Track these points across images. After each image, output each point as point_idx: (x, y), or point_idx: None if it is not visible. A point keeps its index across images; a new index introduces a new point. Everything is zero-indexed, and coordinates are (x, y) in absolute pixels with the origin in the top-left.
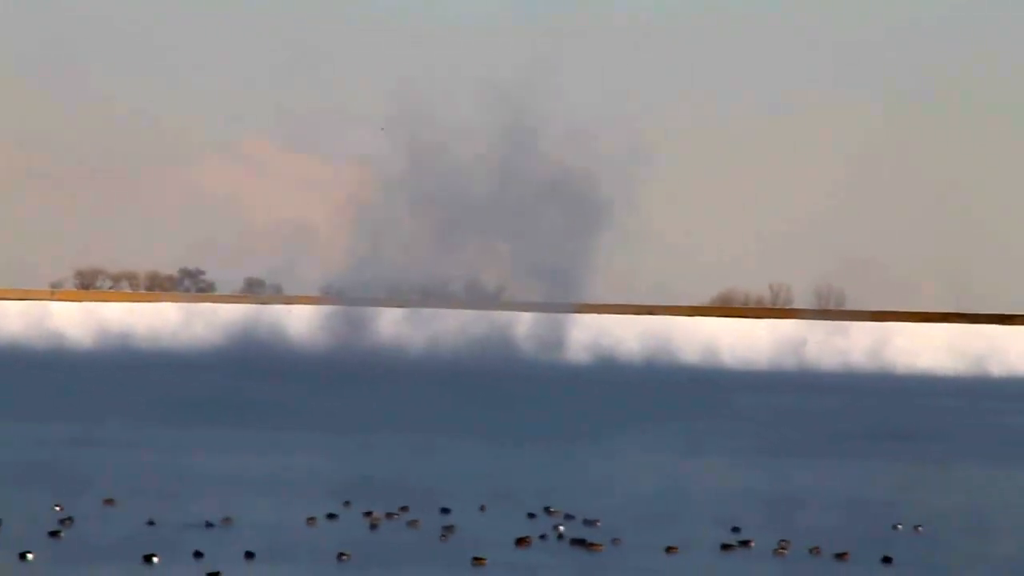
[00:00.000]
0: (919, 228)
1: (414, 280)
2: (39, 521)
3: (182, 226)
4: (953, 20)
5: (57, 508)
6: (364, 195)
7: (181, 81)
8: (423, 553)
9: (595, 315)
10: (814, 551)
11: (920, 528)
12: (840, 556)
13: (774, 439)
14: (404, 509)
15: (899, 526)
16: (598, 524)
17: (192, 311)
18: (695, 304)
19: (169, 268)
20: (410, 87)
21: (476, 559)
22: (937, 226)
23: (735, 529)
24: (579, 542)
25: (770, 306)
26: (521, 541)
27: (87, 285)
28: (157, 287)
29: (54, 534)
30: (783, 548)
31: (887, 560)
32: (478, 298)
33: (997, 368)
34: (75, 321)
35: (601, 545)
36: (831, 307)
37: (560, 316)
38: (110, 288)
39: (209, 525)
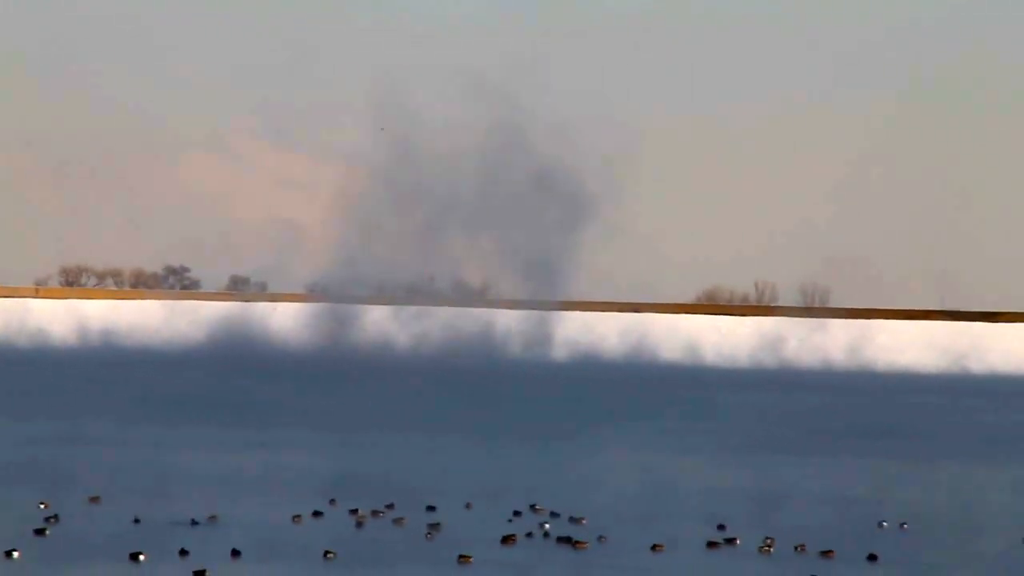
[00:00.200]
0: (905, 227)
1: (400, 278)
2: (24, 519)
3: (167, 223)
4: (945, 21)
5: (42, 506)
6: (350, 192)
7: (167, 79)
8: (409, 551)
9: (580, 312)
10: (799, 549)
11: (905, 526)
12: (825, 554)
13: (757, 437)
14: (390, 507)
15: (884, 523)
16: (584, 522)
17: (177, 308)
18: (680, 302)
19: (154, 265)
20: (397, 83)
21: (462, 557)
22: (923, 225)
23: (720, 527)
24: (565, 540)
25: (755, 304)
26: (507, 539)
27: (72, 282)
28: (142, 284)
29: (39, 532)
30: (768, 546)
31: (872, 558)
32: (463, 295)
33: (980, 366)
34: (59, 318)
35: (586, 543)
36: (816, 305)
37: (545, 313)
38: (95, 285)
39: (195, 523)
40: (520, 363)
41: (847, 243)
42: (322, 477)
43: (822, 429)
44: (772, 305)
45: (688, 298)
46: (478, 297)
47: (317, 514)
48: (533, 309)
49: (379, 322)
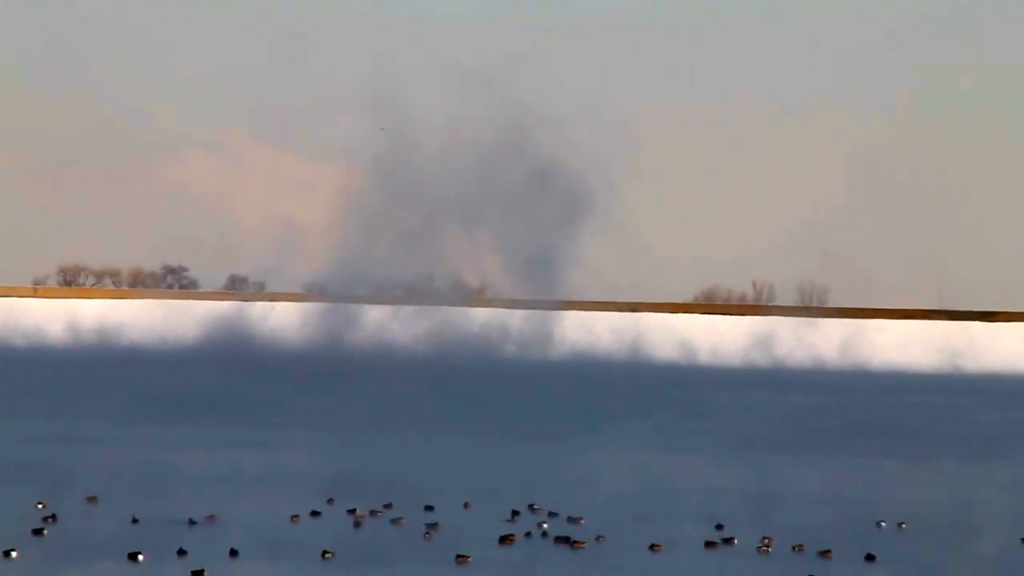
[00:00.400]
0: (904, 227)
1: (398, 277)
2: (22, 519)
3: (165, 223)
4: (944, 20)
5: (40, 506)
6: (348, 192)
7: (165, 79)
8: (407, 551)
9: (578, 312)
10: (797, 549)
11: (904, 525)
12: (824, 554)
13: (754, 436)
14: (388, 507)
15: (882, 523)
16: (582, 522)
17: (175, 308)
18: (678, 301)
19: (152, 265)
20: (396, 83)
21: (460, 556)
22: (922, 225)
23: (718, 527)
24: (563, 540)
25: (753, 303)
26: (505, 539)
27: (70, 282)
28: (140, 284)
29: (38, 532)
30: (766, 546)
31: (870, 558)
32: (461, 295)
33: (977, 365)
34: (57, 318)
35: (585, 543)
36: (814, 304)
37: (543, 313)
38: (93, 285)
39: (193, 523)
40: (518, 363)
41: (845, 242)
42: (320, 477)
43: (819, 429)
44: (770, 304)
45: (686, 297)
46: (476, 296)
47: (315, 514)
48: (531, 308)
49: (378, 322)
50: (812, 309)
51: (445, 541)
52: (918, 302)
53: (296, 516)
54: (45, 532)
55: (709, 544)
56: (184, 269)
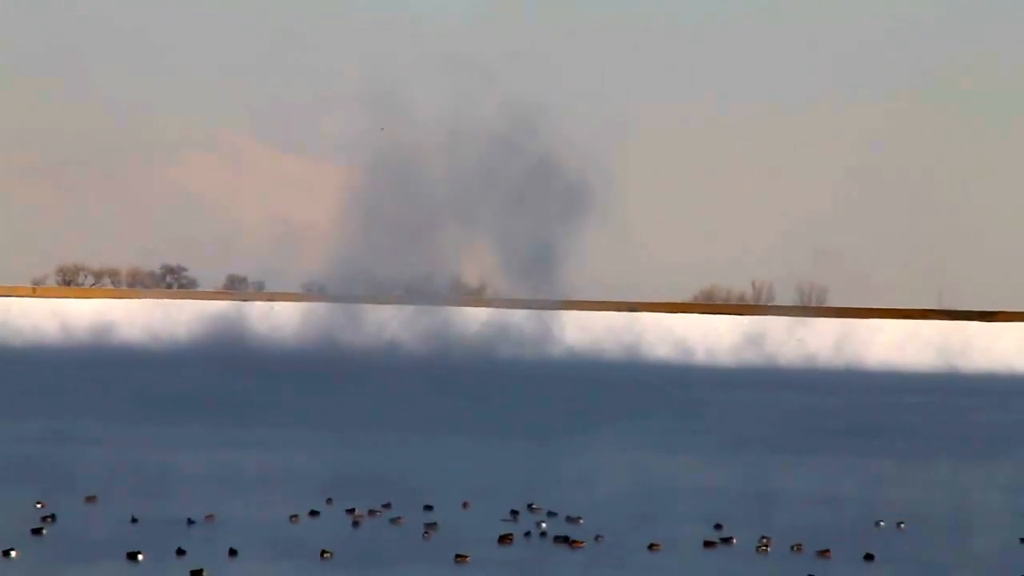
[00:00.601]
0: (904, 226)
1: (397, 277)
2: (21, 519)
3: (164, 223)
4: (944, 20)
5: (39, 505)
6: (347, 191)
7: (164, 79)
8: (406, 550)
9: (577, 312)
10: (796, 548)
11: (902, 525)
12: (822, 553)
13: (752, 436)
14: (387, 506)
15: (881, 523)
16: (581, 521)
17: (174, 308)
18: (677, 301)
19: (151, 265)
20: (395, 82)
21: (459, 556)
22: (921, 225)
23: (717, 526)
24: (562, 539)
25: (752, 303)
26: (504, 538)
27: (69, 282)
28: (139, 284)
29: (37, 532)
30: (765, 545)
31: (869, 557)
32: (460, 294)
33: (975, 365)
34: (56, 318)
35: (583, 542)
36: (813, 304)
37: (542, 313)
38: (92, 285)
39: (191, 522)
40: (517, 362)
41: (845, 243)
42: (319, 476)
43: (817, 428)
44: (769, 304)
45: (685, 297)
46: (475, 296)
47: (314, 513)
48: (530, 308)
49: (377, 321)
50: (811, 309)
51: (444, 541)
52: (917, 302)
53: (295, 516)
54: (44, 532)
55: (708, 544)
56: (183, 269)
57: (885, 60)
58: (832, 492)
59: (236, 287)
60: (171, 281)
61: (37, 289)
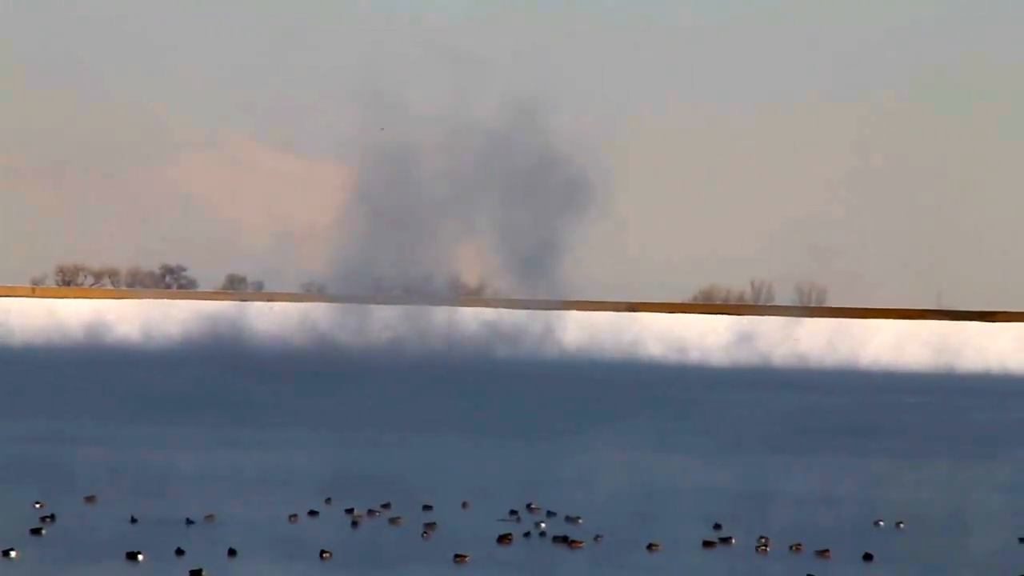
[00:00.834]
0: (903, 226)
1: (396, 277)
2: (20, 519)
3: (164, 223)
4: (943, 20)
5: (38, 505)
6: (346, 191)
7: (164, 79)
8: (405, 550)
9: (576, 312)
10: (795, 548)
11: (902, 525)
12: (822, 553)
13: (749, 436)
14: (386, 506)
15: (880, 523)
16: (580, 521)
17: (173, 308)
18: (676, 301)
19: (150, 265)
20: (392, 80)
21: (458, 556)
22: (921, 224)
23: (716, 526)
24: (561, 539)
25: (751, 303)
26: (503, 538)
27: (68, 282)
28: (138, 283)
29: (36, 532)
30: (764, 545)
31: (868, 557)
32: (459, 294)
33: (973, 365)
34: (55, 317)
35: (583, 542)
36: (812, 304)
37: (541, 312)
38: (91, 285)
39: (191, 522)
40: (516, 362)
41: (844, 242)
42: (318, 476)
43: (815, 428)
44: (768, 304)
45: (684, 297)
46: (474, 296)
47: (313, 513)
48: (529, 308)
49: (375, 321)
50: (810, 309)
51: (443, 541)
52: (916, 302)
53: (294, 516)
54: (43, 532)
55: (707, 544)
56: (182, 269)
57: (885, 60)
58: (831, 492)
59: (235, 287)
60: (170, 281)
61: (36, 289)
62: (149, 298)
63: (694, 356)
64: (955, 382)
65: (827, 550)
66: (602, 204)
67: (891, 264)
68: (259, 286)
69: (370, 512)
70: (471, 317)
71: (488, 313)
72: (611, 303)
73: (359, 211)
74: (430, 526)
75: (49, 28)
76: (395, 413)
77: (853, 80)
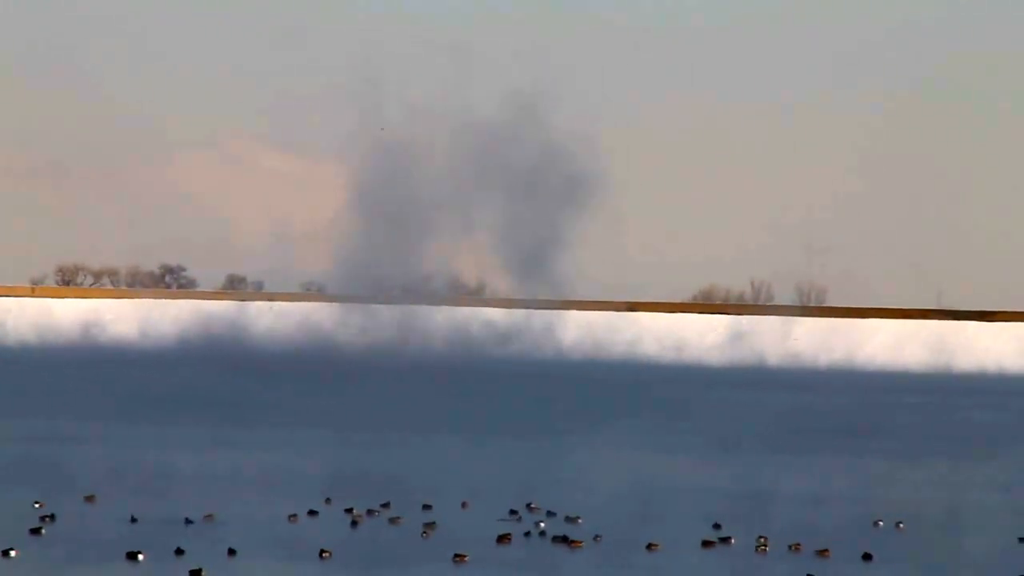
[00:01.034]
0: (903, 226)
1: (396, 277)
2: (19, 518)
3: (163, 223)
4: (943, 20)
5: (37, 505)
6: (346, 191)
7: (163, 78)
8: (404, 550)
9: (575, 311)
10: (794, 548)
11: (901, 525)
12: (821, 553)
13: (747, 435)
14: (385, 506)
15: (880, 522)
16: (579, 521)
17: (172, 307)
18: (676, 300)
19: (150, 264)
20: (392, 80)
21: (458, 556)
22: (921, 224)
23: (716, 526)
24: (560, 539)
25: (751, 303)
26: (502, 538)
27: (68, 281)
28: (138, 283)
29: (35, 531)
30: (763, 545)
31: (868, 557)
32: (459, 294)
33: (972, 364)
34: (55, 317)
35: (582, 542)
36: (812, 304)
37: (541, 312)
38: (91, 284)
39: (190, 522)
40: (515, 362)
41: (844, 242)
42: (318, 476)
43: (814, 428)
44: (768, 304)
45: (684, 297)
46: (473, 296)
47: (313, 513)
48: (529, 308)
49: (375, 321)
50: (810, 309)
51: (443, 540)
52: (916, 302)
53: (294, 515)
54: (43, 531)
55: (707, 543)
56: (182, 269)
57: (885, 59)
58: (830, 492)
59: (235, 287)
60: (170, 281)
61: (36, 289)
62: (149, 298)
63: (693, 356)
64: (954, 382)
65: (826, 550)
66: (602, 204)
67: (891, 264)
68: (259, 286)
69: (370, 512)
70: (471, 317)
71: (488, 313)
72: (611, 303)
73: (359, 211)
74: (430, 526)
75: (49, 28)
76: (395, 413)
77: (853, 80)
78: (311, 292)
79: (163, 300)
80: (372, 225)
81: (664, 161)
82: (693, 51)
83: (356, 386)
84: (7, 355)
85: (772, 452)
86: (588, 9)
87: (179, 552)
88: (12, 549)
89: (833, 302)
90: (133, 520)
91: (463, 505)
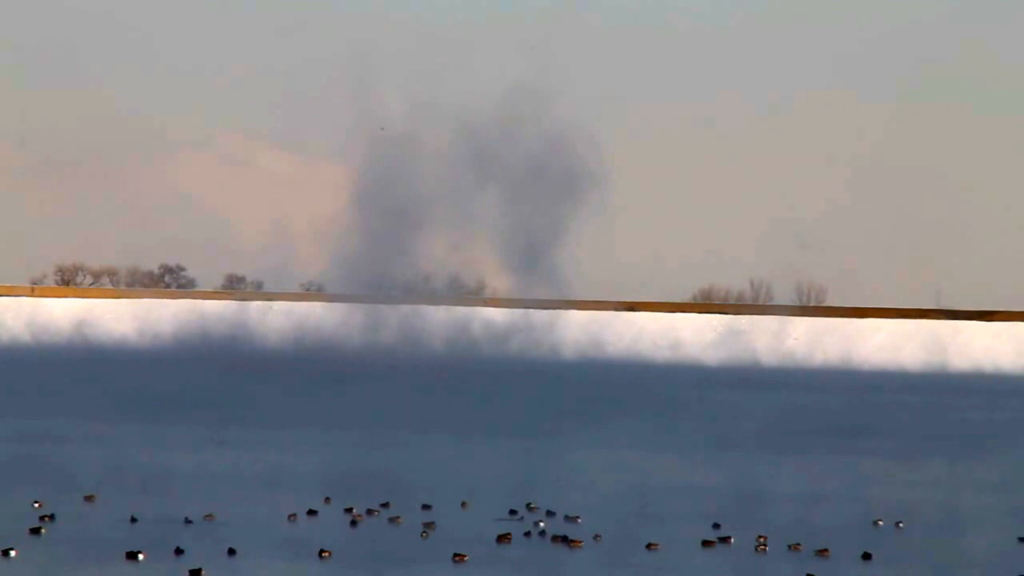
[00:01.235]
0: (902, 226)
1: (396, 276)
2: (19, 518)
3: (163, 223)
4: (943, 19)
5: (37, 505)
6: (345, 191)
7: (163, 78)
8: (404, 550)
9: (575, 311)
10: (794, 547)
11: (901, 524)
12: (821, 552)
13: (746, 435)
14: (385, 506)
15: (880, 522)
16: (579, 521)
17: (172, 307)
18: (676, 300)
19: (150, 264)
20: (392, 80)
21: (457, 555)
22: (920, 224)
23: (715, 526)
24: (560, 539)
25: (751, 302)
26: (502, 538)
27: (68, 281)
28: (137, 283)
29: (35, 531)
30: (763, 545)
31: (867, 556)
32: (458, 294)
33: (971, 364)
34: (55, 317)
35: (582, 542)
36: (811, 303)
37: (540, 312)
38: (91, 284)
39: (189, 522)
40: (514, 361)
41: (844, 241)
42: (317, 476)
43: (813, 427)
44: (767, 304)
45: (684, 296)
46: (473, 296)
47: (312, 513)
48: (528, 308)
49: (375, 321)
50: (809, 308)
51: (442, 540)
52: (915, 301)
53: (293, 515)
54: (43, 531)
55: (706, 543)
56: (181, 269)
57: (884, 59)
58: (829, 491)
59: (235, 287)
60: (169, 281)
61: (36, 288)
62: (148, 298)
63: (692, 356)
64: (953, 382)
65: (826, 549)
66: (601, 204)
67: (890, 264)
68: (259, 286)
69: (369, 511)
70: (471, 317)
71: (488, 313)
72: (610, 303)
73: (359, 210)
74: (429, 525)
75: (51, 29)
76: (394, 413)
77: (853, 79)
78: (311, 292)
79: (162, 300)
80: (372, 224)
81: (664, 161)
82: (693, 51)
83: (356, 386)
84: (6, 355)
85: (771, 452)
86: (588, 8)
87: (179, 552)
88: (12, 549)
89: (833, 302)
90: (133, 520)
91: (463, 505)
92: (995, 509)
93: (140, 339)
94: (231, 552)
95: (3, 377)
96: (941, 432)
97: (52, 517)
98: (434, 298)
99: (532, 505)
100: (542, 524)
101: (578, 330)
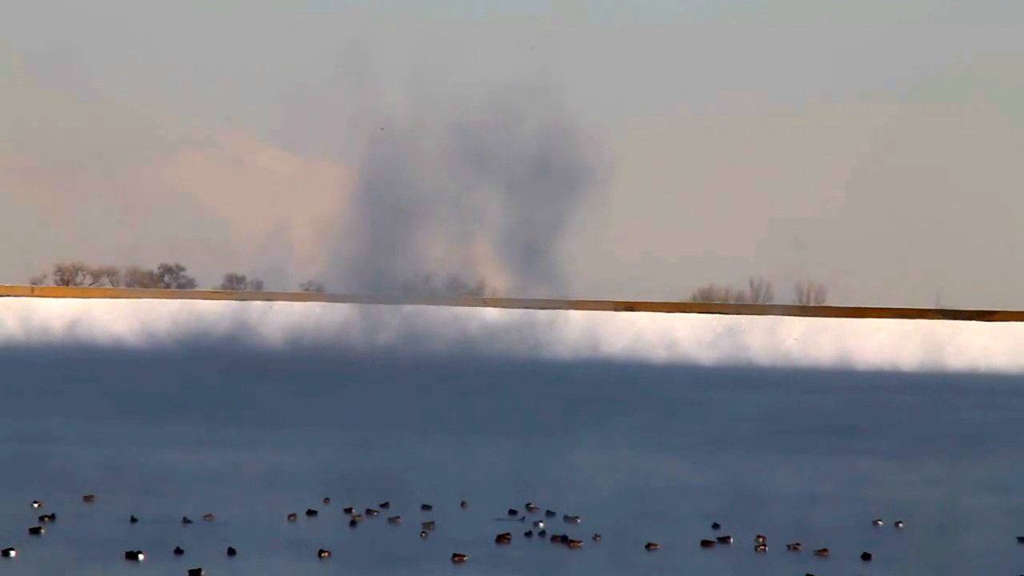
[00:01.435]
0: (902, 226)
1: (395, 276)
2: (18, 518)
3: (163, 223)
4: (943, 19)
5: (36, 505)
6: (345, 191)
7: (164, 79)
8: (403, 550)
9: (574, 311)
10: (793, 547)
11: (901, 524)
12: (820, 552)
13: (745, 435)
14: (384, 506)
15: (879, 522)
16: (578, 521)
17: (171, 307)
18: (675, 300)
19: (149, 264)
20: (392, 80)
21: (456, 555)
22: (920, 224)
23: (715, 526)
24: (560, 539)
25: (751, 302)
26: (502, 538)
27: (67, 281)
28: (137, 283)
29: (35, 531)
30: (763, 545)
31: (867, 556)
32: (458, 294)
33: (970, 364)
34: (54, 317)
35: (581, 542)
36: (811, 303)
37: (539, 312)
38: (91, 284)
39: (188, 522)
40: (514, 361)
41: (843, 241)
42: (317, 476)
43: (812, 427)
44: (767, 304)
45: (684, 296)
46: (473, 296)
47: (312, 513)
48: (528, 308)
49: (375, 321)
50: (809, 308)
51: (441, 540)
52: (915, 301)
53: (293, 515)
54: (42, 531)
55: (706, 543)
56: (181, 269)
57: (885, 59)
58: (828, 491)
59: (234, 287)
60: (169, 281)
61: (36, 288)
62: (148, 298)
63: (691, 355)
64: (952, 381)
65: (826, 549)
66: (601, 204)
67: (890, 264)
68: (258, 286)
69: (369, 511)
70: (471, 317)
71: (488, 313)
72: (610, 303)
73: (358, 210)
74: (429, 525)
75: (52, 29)
76: (394, 413)
77: (853, 80)
78: (310, 292)
79: (162, 300)
80: (371, 224)
81: (663, 161)
82: (693, 51)
83: (356, 386)
84: (5, 355)
85: (770, 452)
86: (588, 7)
87: (179, 552)
88: (12, 549)
89: (832, 301)
90: (133, 520)
91: (462, 505)
92: (994, 509)
93: (140, 339)
94: (231, 552)
95: (3, 377)
96: (940, 432)
97: (52, 517)
98: (434, 298)
99: (532, 505)
100: (542, 524)
101: (577, 330)
